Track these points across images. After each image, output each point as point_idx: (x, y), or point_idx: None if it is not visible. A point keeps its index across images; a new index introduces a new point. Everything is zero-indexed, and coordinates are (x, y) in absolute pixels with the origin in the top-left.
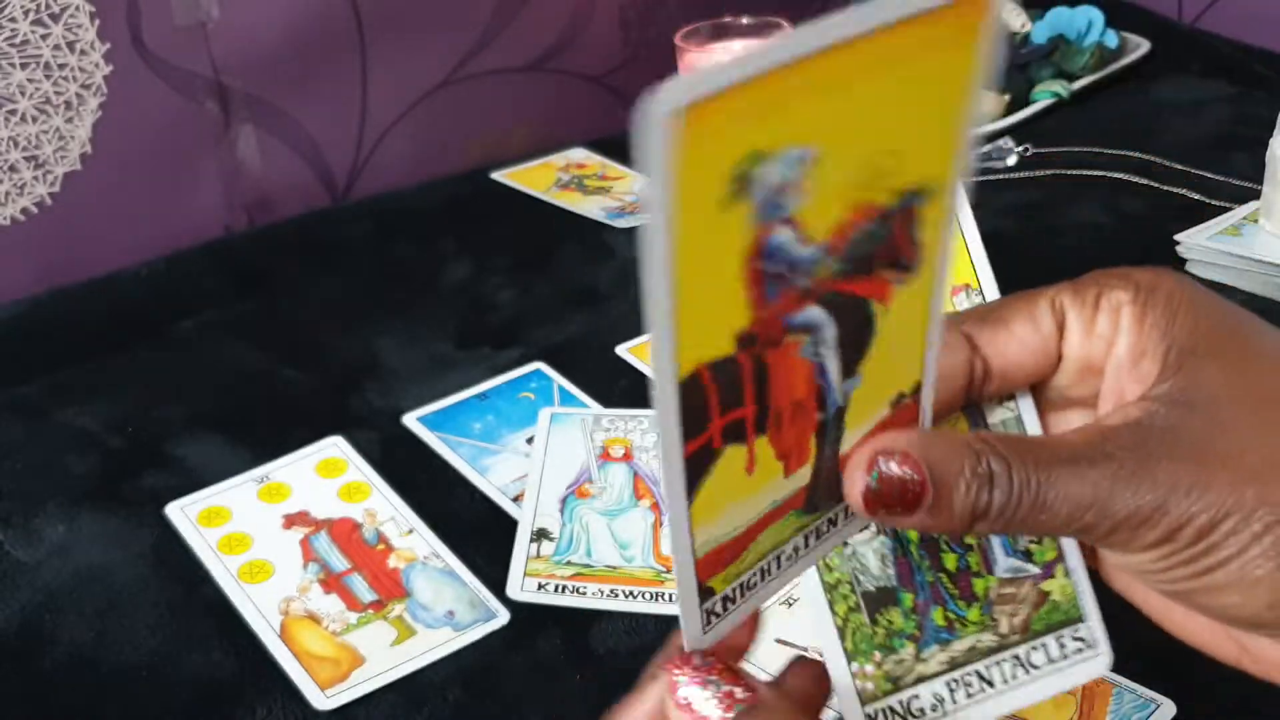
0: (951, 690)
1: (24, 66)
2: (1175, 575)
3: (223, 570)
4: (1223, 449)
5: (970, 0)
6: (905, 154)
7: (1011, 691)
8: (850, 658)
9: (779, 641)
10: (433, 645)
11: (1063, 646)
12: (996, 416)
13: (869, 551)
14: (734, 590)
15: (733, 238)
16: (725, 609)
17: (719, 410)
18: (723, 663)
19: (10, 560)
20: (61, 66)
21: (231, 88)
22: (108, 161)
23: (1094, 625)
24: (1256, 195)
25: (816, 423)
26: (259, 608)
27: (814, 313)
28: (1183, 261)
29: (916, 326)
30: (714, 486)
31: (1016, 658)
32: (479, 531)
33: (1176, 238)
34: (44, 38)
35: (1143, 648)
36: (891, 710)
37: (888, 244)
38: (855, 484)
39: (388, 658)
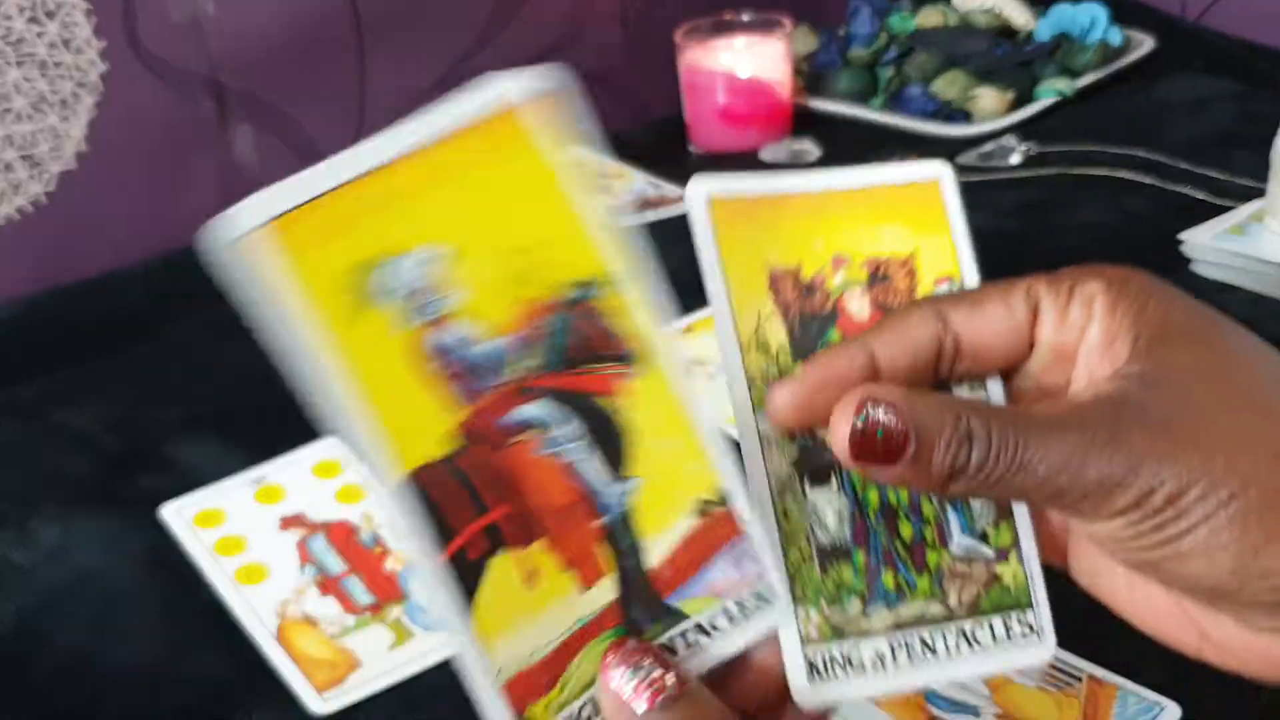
0: (894, 649)
1: (19, 64)
2: (1143, 543)
3: (219, 572)
4: (1192, 423)
5: (502, 119)
6: (540, 252)
7: (953, 661)
8: (797, 602)
9: None
10: (430, 648)
11: (1009, 629)
12: (966, 393)
13: (828, 509)
14: None
15: (384, 343)
16: None
17: (459, 517)
18: (653, 647)
19: (6, 562)
20: (57, 64)
21: (228, 86)
22: (103, 160)
23: (1042, 614)
24: (1261, 194)
25: (598, 530)
26: (255, 610)
27: (532, 409)
28: (1187, 260)
29: (676, 423)
30: (493, 597)
31: (962, 631)
32: None
33: (1180, 236)
34: (39, 35)
35: (1147, 650)
36: (831, 657)
37: (580, 338)
38: (840, 426)
39: (385, 661)
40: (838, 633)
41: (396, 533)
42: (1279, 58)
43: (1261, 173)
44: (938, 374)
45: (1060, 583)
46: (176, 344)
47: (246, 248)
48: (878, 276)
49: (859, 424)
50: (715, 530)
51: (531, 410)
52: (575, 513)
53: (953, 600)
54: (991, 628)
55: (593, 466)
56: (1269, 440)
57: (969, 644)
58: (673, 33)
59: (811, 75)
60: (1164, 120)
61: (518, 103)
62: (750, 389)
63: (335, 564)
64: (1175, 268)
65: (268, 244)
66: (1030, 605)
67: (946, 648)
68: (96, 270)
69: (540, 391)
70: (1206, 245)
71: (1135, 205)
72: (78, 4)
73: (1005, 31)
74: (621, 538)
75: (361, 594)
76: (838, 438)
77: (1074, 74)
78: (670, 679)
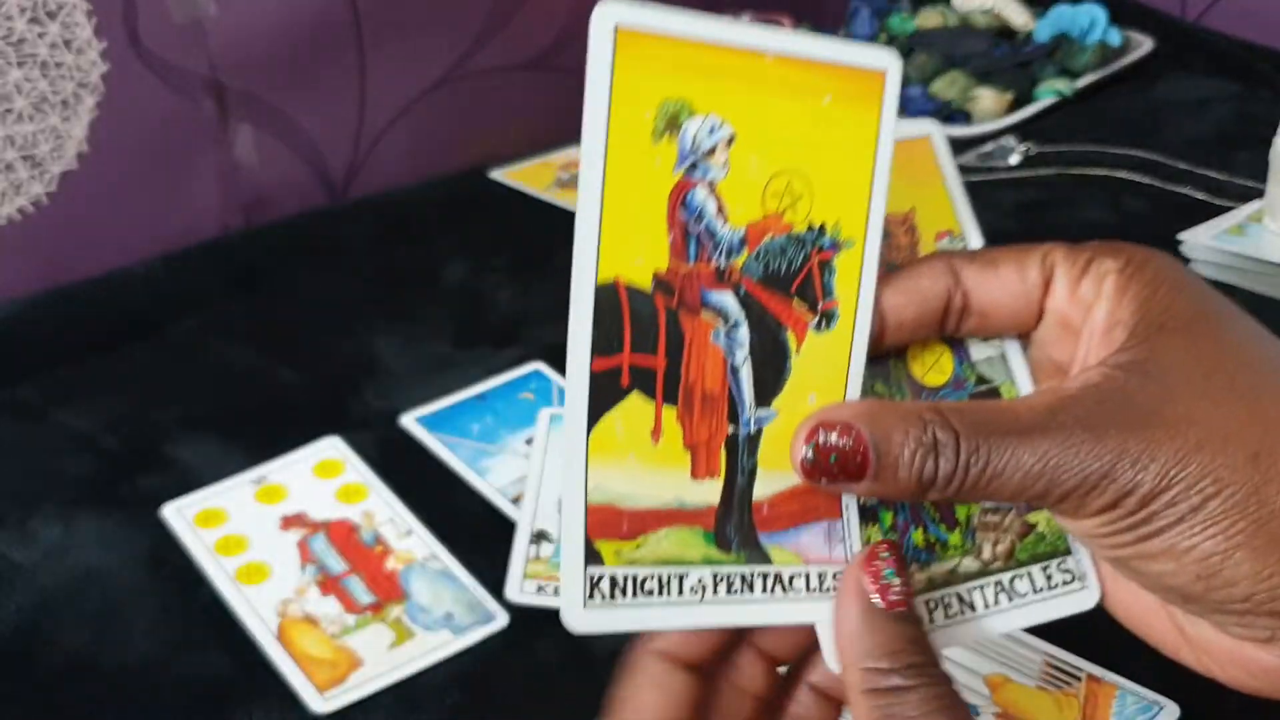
0: (930, 610)
1: (20, 65)
2: (1117, 541)
3: (220, 572)
4: (1172, 418)
5: (870, 74)
6: (815, 186)
7: (993, 616)
8: None
9: None
10: (431, 648)
11: (1049, 577)
12: (981, 353)
13: None
14: (625, 578)
15: (660, 174)
16: (613, 594)
17: (631, 341)
18: (908, 570)
19: (6, 562)
20: (58, 65)
21: (229, 86)
22: (104, 161)
23: (1083, 559)
24: (1260, 194)
25: (727, 433)
26: (256, 610)
27: (728, 299)
28: (1186, 261)
29: (831, 388)
30: (617, 424)
31: (999, 584)
32: (478, 533)
33: (1180, 237)
34: (40, 36)
35: (1146, 650)
36: None
37: (802, 275)
38: (795, 453)
39: (386, 660)
40: None
41: (572, 328)
42: (1279, 58)
43: (1261, 173)
44: (944, 329)
45: None
46: (176, 344)
47: (599, 35)
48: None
49: (808, 453)
50: (819, 499)
51: (731, 301)
52: (717, 406)
53: (986, 553)
54: (1031, 578)
55: (747, 377)
56: (1249, 439)
57: (1009, 597)
58: None
59: None
60: (1163, 120)
61: (890, 71)
62: None
63: (336, 563)
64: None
65: (615, 43)
66: (1069, 551)
67: (985, 602)
68: (96, 270)
69: (745, 292)
70: (1205, 245)
71: (1134, 205)
72: (78, 4)
73: (1004, 32)
74: (743, 454)
75: (362, 593)
76: (795, 464)
77: (1073, 74)
78: (909, 603)
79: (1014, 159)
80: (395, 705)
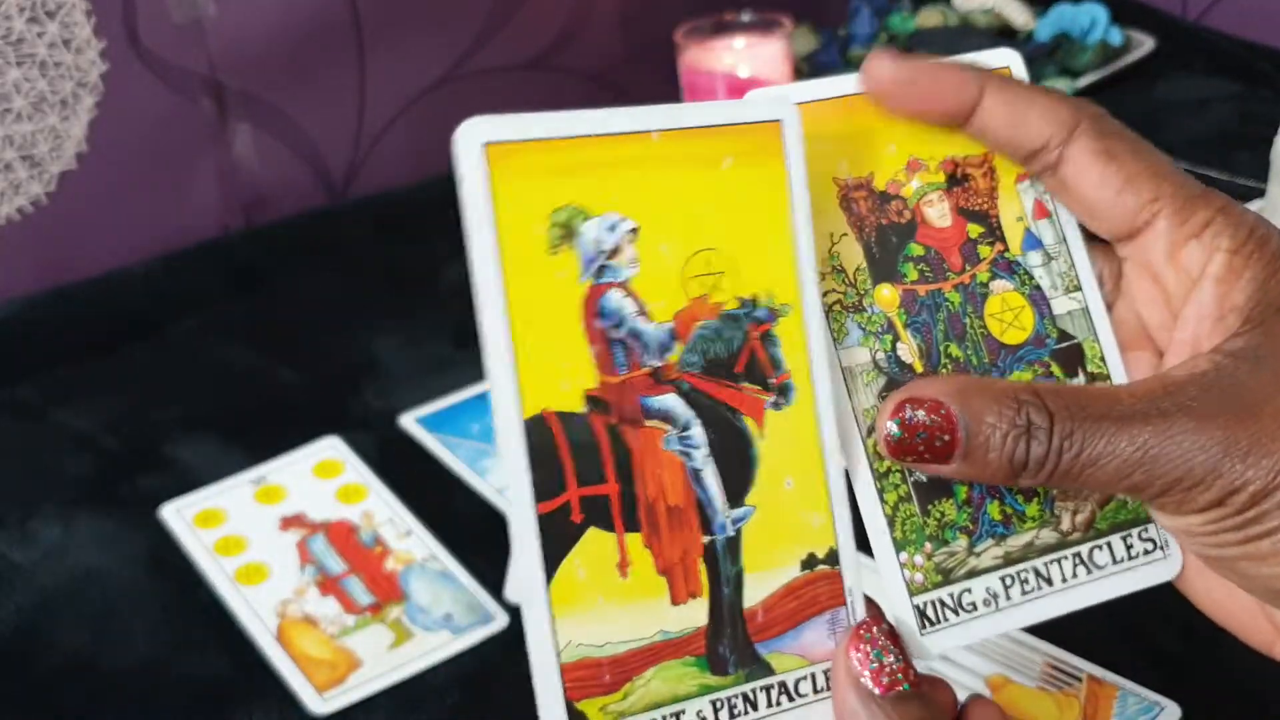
0: (1007, 585)
1: (19, 64)
2: (1222, 540)
3: (219, 572)
4: None
5: (765, 127)
6: (736, 258)
7: (1072, 590)
8: (899, 547)
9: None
10: (430, 648)
11: (1129, 547)
12: (1062, 307)
13: None
14: None
15: (565, 286)
16: None
17: (575, 474)
18: (900, 644)
19: (6, 562)
20: (57, 64)
21: (228, 86)
22: (104, 160)
23: None
24: (1261, 194)
25: (702, 545)
26: (255, 610)
27: (672, 400)
28: None
29: (808, 469)
30: (577, 567)
31: (1078, 555)
32: (477, 534)
33: None
34: (39, 35)
35: (1147, 651)
36: (941, 603)
37: (745, 355)
38: (880, 429)
39: (385, 661)
40: (945, 575)
41: (504, 472)
42: (1279, 58)
43: (1261, 173)
44: (1032, 168)
45: None
46: (176, 344)
47: (468, 157)
48: (956, 178)
49: (894, 429)
50: (818, 589)
51: (675, 403)
52: (685, 519)
53: (1065, 524)
54: (1111, 548)
55: (713, 479)
56: None
57: (1087, 569)
58: (673, 33)
59: (811, 75)
60: (1164, 120)
61: (786, 119)
62: (829, 318)
63: (335, 564)
64: None
65: (488, 162)
66: (1150, 519)
67: (1064, 576)
68: (96, 270)
69: (689, 388)
70: None
71: None
72: (78, 4)
73: (1005, 32)
74: (724, 563)
75: (361, 594)
76: (879, 439)
77: (1074, 74)
78: (910, 676)
79: None
80: (395, 706)
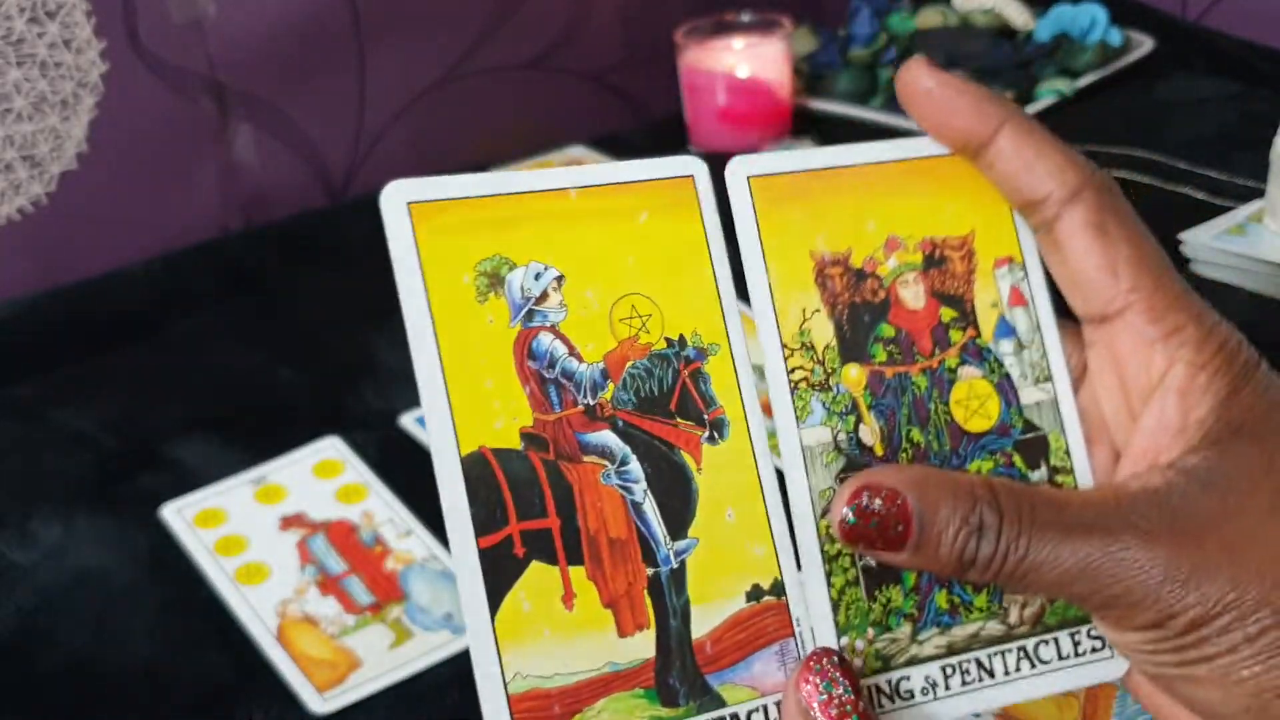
0: (947, 675)
1: (20, 64)
2: (1160, 660)
3: (219, 572)
4: (1232, 536)
5: (679, 182)
6: (661, 301)
7: (1012, 684)
8: (841, 631)
9: None
10: (431, 648)
11: (1076, 644)
12: (1030, 397)
13: None
14: None
15: (496, 332)
16: None
17: (515, 508)
18: (854, 677)
19: (6, 562)
20: (57, 65)
21: (228, 86)
22: (104, 160)
23: None
24: (1261, 194)
25: (646, 577)
26: (256, 610)
27: (608, 436)
28: (1187, 260)
29: (748, 500)
30: (522, 600)
31: (1023, 649)
32: None
33: (1180, 236)
34: (40, 35)
35: None
36: (877, 689)
37: (678, 392)
38: (835, 514)
39: (385, 661)
40: (885, 661)
41: (447, 509)
42: (1279, 58)
43: (1261, 173)
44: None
45: None
46: (176, 344)
47: (392, 216)
48: (933, 259)
49: (849, 515)
50: (765, 620)
51: (611, 439)
52: (628, 551)
53: (1013, 617)
54: (1057, 644)
55: (654, 513)
56: None
57: (1032, 663)
58: (673, 33)
59: (811, 75)
60: (1164, 120)
61: (697, 174)
62: (793, 396)
63: (335, 564)
64: (1175, 268)
65: (413, 220)
66: None
67: (1007, 669)
68: (96, 270)
69: (625, 425)
70: (1206, 245)
71: (1135, 205)
72: (78, 4)
73: (1005, 32)
74: (670, 595)
75: (361, 594)
76: (832, 523)
77: (1074, 74)
78: (859, 708)
79: None
80: (395, 705)
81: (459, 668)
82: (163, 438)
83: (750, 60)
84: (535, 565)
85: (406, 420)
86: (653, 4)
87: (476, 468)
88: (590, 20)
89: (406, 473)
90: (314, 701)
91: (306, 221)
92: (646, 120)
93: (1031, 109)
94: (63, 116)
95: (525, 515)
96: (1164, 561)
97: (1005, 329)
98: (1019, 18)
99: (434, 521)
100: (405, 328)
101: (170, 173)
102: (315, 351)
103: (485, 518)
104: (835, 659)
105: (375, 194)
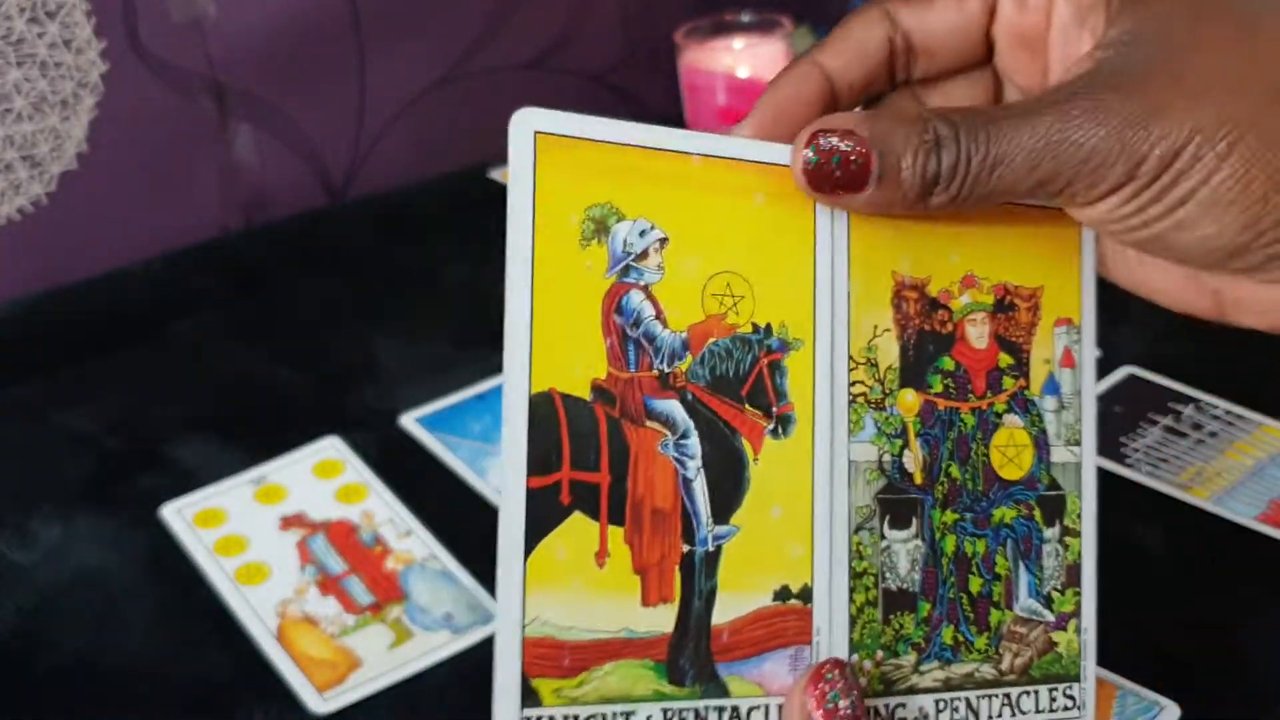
0: (939, 709)
1: (19, 64)
2: (1144, 217)
3: (219, 572)
4: (1175, 73)
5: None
6: (756, 286)
7: None
8: (854, 648)
9: None
10: (431, 648)
11: (1053, 700)
12: (1060, 457)
13: (902, 551)
14: (565, 719)
15: (591, 279)
16: None
17: (570, 455)
18: (861, 693)
19: (6, 562)
20: (57, 65)
21: (228, 86)
22: (104, 160)
23: (1087, 689)
24: None
25: (681, 553)
26: (256, 610)
27: (675, 407)
28: None
29: (797, 500)
30: (557, 548)
31: (1008, 697)
32: (478, 533)
33: None
34: (40, 35)
35: (1146, 651)
36: (875, 712)
37: (752, 379)
38: (795, 161)
39: (385, 661)
40: (887, 685)
41: (506, 442)
42: None
43: None
44: (894, 80)
45: None
46: (176, 344)
47: (518, 142)
48: (1004, 304)
49: (809, 154)
50: (787, 622)
51: (678, 409)
52: (669, 524)
53: (1005, 664)
54: (1037, 697)
55: (702, 491)
56: (1265, 75)
57: (1013, 712)
58: (673, 33)
59: None
60: None
61: None
62: (850, 408)
63: (335, 564)
64: None
65: (536, 149)
66: (1078, 678)
67: (991, 714)
68: (96, 270)
69: (694, 400)
70: None
71: None
72: (78, 4)
73: None
74: (700, 576)
75: (362, 594)
76: (795, 173)
77: None
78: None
79: None
80: (395, 705)
81: (459, 668)
82: (163, 438)
83: (750, 60)
84: (577, 516)
85: (406, 420)
86: (653, 4)
87: (543, 408)
88: (590, 20)
89: (406, 473)
90: (314, 701)
91: (306, 221)
92: (647, 120)
93: None
94: (63, 116)
95: (578, 465)
96: (1119, 111)
97: (1053, 386)
98: None
99: (434, 521)
100: (505, 254)
101: (170, 173)
102: (315, 351)
103: (540, 458)
104: (848, 670)
105: (375, 194)
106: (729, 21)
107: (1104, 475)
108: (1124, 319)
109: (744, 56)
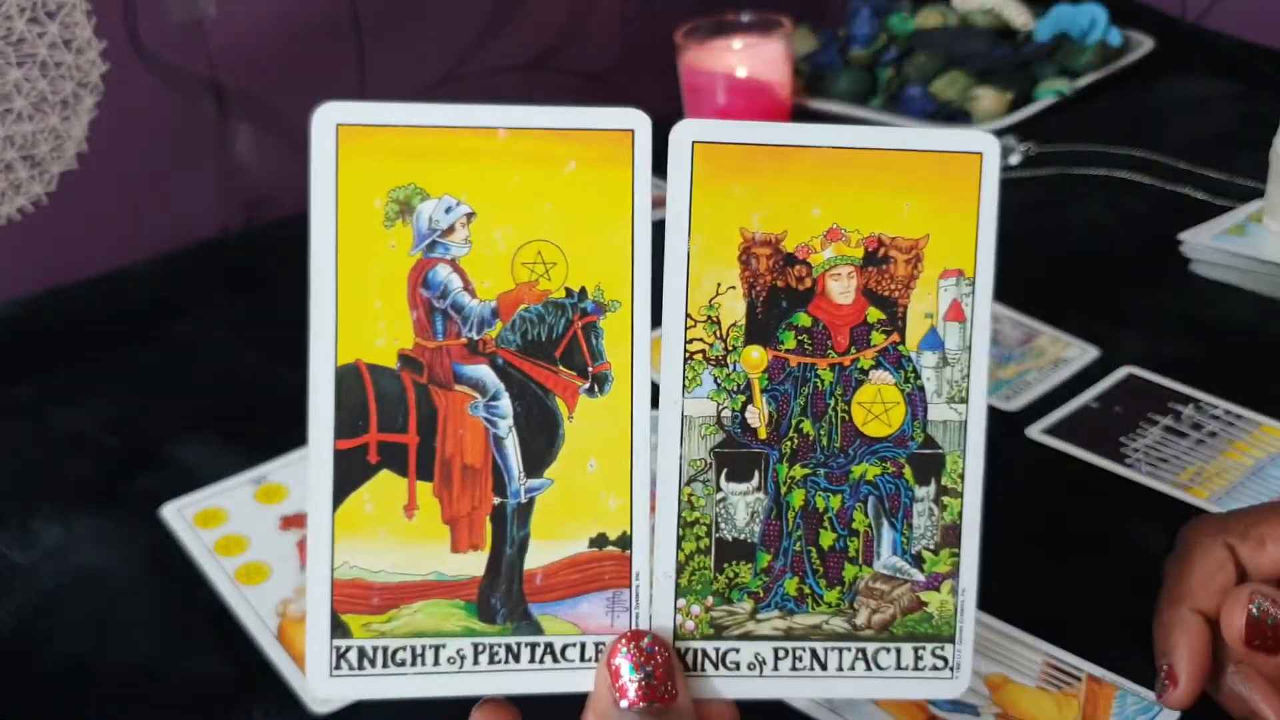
0: (778, 657)
1: (20, 64)
2: None
3: (219, 572)
4: None
5: (616, 135)
6: (570, 252)
7: (842, 680)
8: (681, 593)
9: None
10: None
11: (919, 659)
12: (939, 414)
13: (740, 503)
14: (375, 650)
15: (396, 257)
16: (361, 664)
17: (378, 419)
18: (667, 656)
19: (6, 562)
20: (58, 65)
21: (228, 86)
22: (104, 160)
23: (964, 650)
24: (1261, 194)
25: (492, 504)
26: (256, 610)
27: (484, 371)
28: (1187, 260)
29: (615, 454)
30: (365, 501)
31: (863, 651)
32: None
33: (1180, 237)
34: (40, 35)
35: (1147, 650)
36: (704, 654)
37: (565, 341)
38: (1236, 616)
39: None
40: (718, 630)
41: (312, 410)
42: (1279, 58)
43: (1261, 173)
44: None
45: (1056, 578)
46: (176, 344)
47: (319, 134)
48: (876, 257)
49: (1254, 611)
50: (603, 567)
51: (487, 373)
52: (479, 479)
53: (861, 619)
54: (899, 654)
55: (514, 449)
56: None
57: (867, 665)
58: (673, 33)
59: (811, 75)
60: (1164, 120)
61: (638, 130)
62: (685, 365)
63: None
64: (1175, 268)
65: (338, 140)
66: (952, 639)
67: (840, 665)
68: (96, 270)
69: (504, 364)
70: (1206, 245)
71: (1135, 205)
72: (78, 4)
73: (1005, 32)
74: (512, 526)
75: None
76: (1233, 627)
77: (1073, 74)
78: (667, 689)
79: (1014, 159)
80: (395, 705)
81: None
82: (163, 438)
83: (750, 60)
84: (385, 474)
85: None
86: (653, 4)
87: (348, 378)
88: (590, 20)
89: None
90: (314, 701)
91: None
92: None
93: (1031, 109)
94: (63, 116)
95: (386, 428)
96: None
97: (933, 340)
98: (1019, 18)
99: None
100: (309, 239)
101: (170, 173)
102: None
103: (347, 422)
104: (647, 641)
105: None
106: (729, 21)
107: (1104, 475)
108: (1124, 319)
109: (744, 56)
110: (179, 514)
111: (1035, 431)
